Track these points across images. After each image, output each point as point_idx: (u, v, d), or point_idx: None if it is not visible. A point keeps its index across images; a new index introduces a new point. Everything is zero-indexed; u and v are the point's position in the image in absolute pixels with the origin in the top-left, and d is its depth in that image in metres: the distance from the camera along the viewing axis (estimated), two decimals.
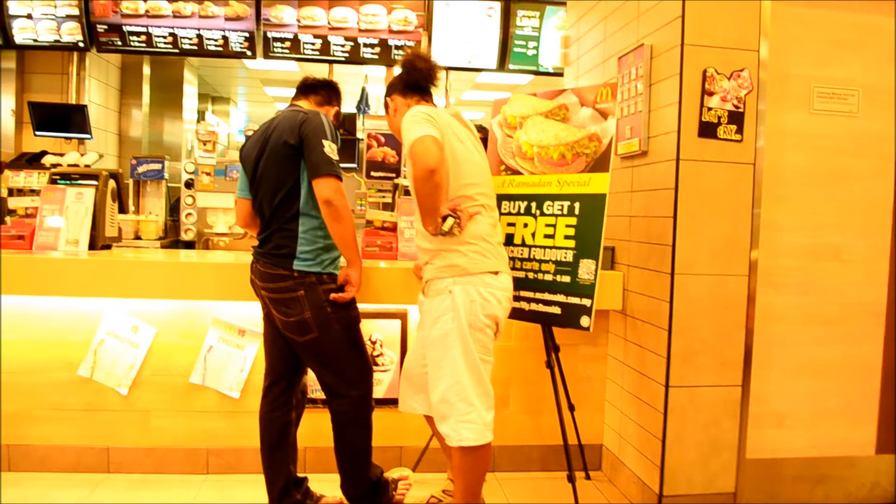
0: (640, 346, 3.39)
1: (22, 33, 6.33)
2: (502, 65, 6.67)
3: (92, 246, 3.61)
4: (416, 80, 2.95)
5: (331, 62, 6.68)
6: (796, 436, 3.34)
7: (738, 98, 3.10)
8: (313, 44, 6.50)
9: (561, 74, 5.10)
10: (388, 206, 5.60)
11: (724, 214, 3.11)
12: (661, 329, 3.18)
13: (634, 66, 3.46)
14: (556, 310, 3.18)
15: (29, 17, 6.30)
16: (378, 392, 3.53)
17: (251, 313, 3.42)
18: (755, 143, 3.13)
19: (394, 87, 3.01)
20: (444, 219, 2.63)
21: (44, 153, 5.99)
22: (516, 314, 3.24)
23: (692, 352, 3.12)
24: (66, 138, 6.49)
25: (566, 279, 3.15)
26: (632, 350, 3.49)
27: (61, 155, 5.96)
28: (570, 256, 3.16)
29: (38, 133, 6.31)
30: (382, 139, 5.72)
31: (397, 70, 3.05)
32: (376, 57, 6.56)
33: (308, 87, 3.11)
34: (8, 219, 3.78)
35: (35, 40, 6.37)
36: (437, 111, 2.75)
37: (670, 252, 3.10)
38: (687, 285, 3.10)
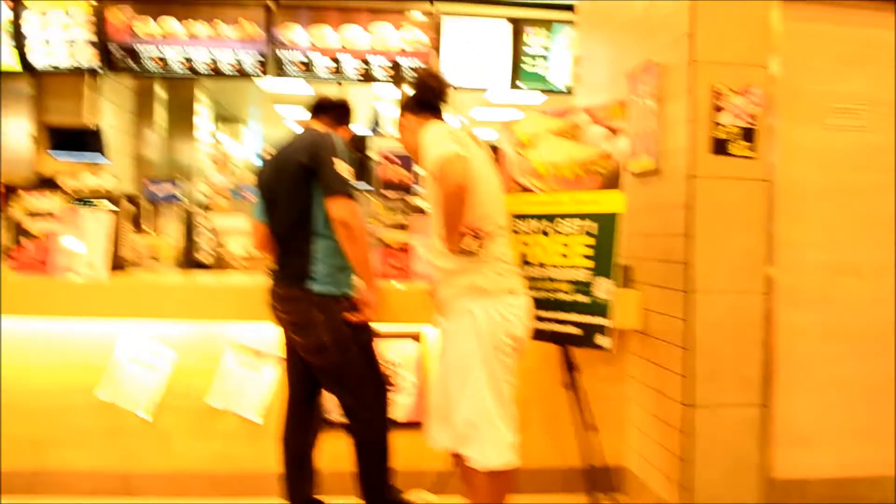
0: (659, 366, 3.37)
1: (39, 58, 6.41)
2: (513, 83, 6.70)
3: (109, 268, 3.64)
4: (428, 99, 2.95)
5: (342, 82, 6.73)
6: (822, 455, 3.30)
7: (749, 114, 3.10)
8: (325, 64, 6.56)
9: (571, 92, 5.12)
10: (402, 227, 5.61)
11: (740, 231, 3.10)
12: (679, 348, 3.16)
13: (644, 84, 3.47)
14: (574, 329, 3.17)
15: (46, 42, 6.38)
16: (395, 414, 3.51)
17: (270, 336, 3.43)
18: (768, 159, 3.13)
19: (406, 106, 3.01)
20: (465, 237, 2.63)
21: (57, 176, 6.05)
22: (534, 335, 3.23)
23: (712, 370, 3.10)
24: (83, 161, 6.56)
25: (583, 298, 3.15)
26: (651, 369, 3.48)
27: (78, 178, 6.01)
28: (586, 275, 3.15)
29: (53, 156, 6.37)
30: (395, 159, 5.75)
31: (408, 89, 3.07)
32: (388, 77, 6.60)
33: (321, 108, 3.13)
34: (26, 241, 3.81)
35: (52, 65, 6.45)
36: (456, 129, 2.75)
37: (687, 270, 3.10)
38: (704, 303, 3.09)
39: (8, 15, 6.32)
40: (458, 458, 2.83)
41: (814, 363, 3.28)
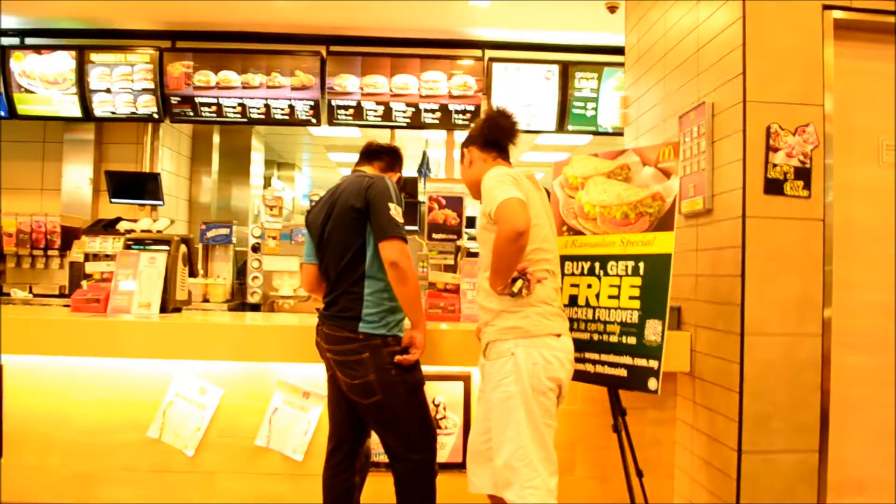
0: (710, 410, 3.28)
1: (101, 107, 6.66)
2: (561, 126, 6.72)
3: (163, 309, 3.71)
4: (496, 138, 2.97)
5: (393, 128, 6.84)
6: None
7: (803, 153, 3.04)
8: (376, 110, 6.67)
9: (620, 134, 5.11)
10: (450, 268, 5.62)
11: (795, 272, 3.03)
12: (731, 391, 3.08)
13: (696, 124, 3.44)
14: (623, 372, 3.12)
15: (108, 91, 6.63)
16: (441, 456, 3.49)
17: (315, 375, 3.44)
18: (824, 199, 3.06)
19: (472, 140, 3.02)
20: (514, 280, 2.62)
21: (118, 219, 6.23)
22: (581, 376, 3.19)
23: (765, 415, 3.01)
24: (140, 205, 6.75)
25: (632, 340, 3.10)
26: (701, 413, 3.39)
27: (135, 221, 6.18)
28: (635, 317, 3.11)
29: (113, 200, 6.57)
30: (444, 201, 5.77)
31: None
32: (437, 122, 6.69)
33: (372, 153, 3.18)
34: (84, 283, 3.91)
35: (113, 113, 6.69)
36: (518, 173, 2.75)
37: (739, 312, 3.03)
38: (757, 346, 3.01)
39: (72, 65, 6.58)
40: (497, 502, 2.78)
41: (870, 408, 3.16)
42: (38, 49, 6.61)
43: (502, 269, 2.63)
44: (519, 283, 2.62)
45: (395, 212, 2.81)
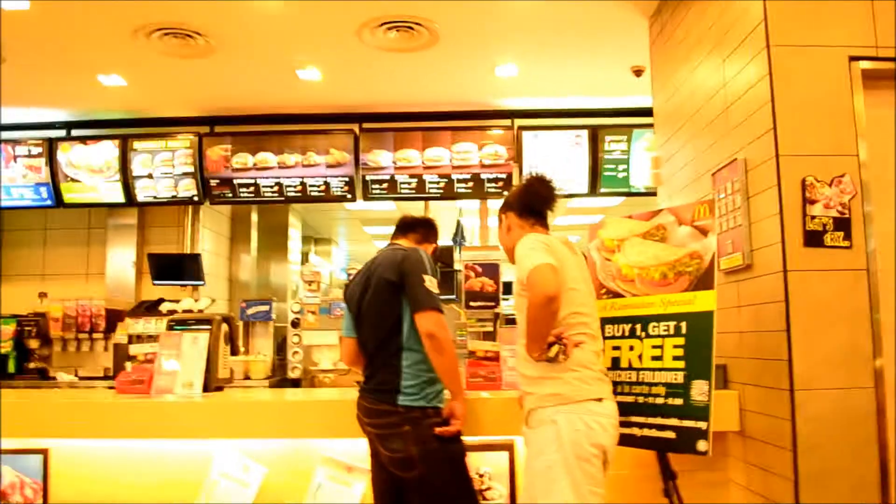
0: (764, 469, 3.18)
1: (143, 192, 6.86)
2: (593, 189, 6.74)
3: (205, 388, 3.73)
4: (533, 205, 2.98)
5: (426, 199, 6.92)
6: None
7: (841, 204, 3.01)
8: (409, 183, 6.78)
9: (653, 194, 5.11)
10: (489, 336, 5.59)
11: (841, 323, 2.97)
12: (784, 450, 2.99)
13: (730, 181, 3.44)
14: (671, 434, 3.04)
15: (150, 176, 6.84)
16: None
17: (359, 450, 3.41)
18: (866, 248, 3.02)
19: (510, 206, 3.04)
20: (550, 346, 2.61)
21: (161, 301, 6.34)
22: (628, 441, 3.11)
23: (822, 472, 2.91)
24: (182, 286, 6.87)
25: (678, 401, 3.03)
26: (755, 474, 3.28)
27: (177, 301, 6.29)
28: (680, 378, 3.05)
29: (155, 282, 6.70)
30: (480, 269, 5.79)
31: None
32: (469, 191, 6.76)
33: (406, 226, 3.22)
34: (128, 364, 3.96)
35: (155, 197, 6.88)
36: (552, 240, 2.77)
37: (787, 367, 2.96)
38: (808, 401, 2.94)
39: (116, 154, 6.81)
40: None
41: None
42: (83, 140, 6.87)
43: (537, 334, 2.63)
44: (555, 347, 2.61)
45: (430, 283, 2.83)
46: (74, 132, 7.00)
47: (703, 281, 3.11)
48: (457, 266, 6.67)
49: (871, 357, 2.97)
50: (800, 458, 2.92)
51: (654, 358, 3.16)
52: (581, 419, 2.59)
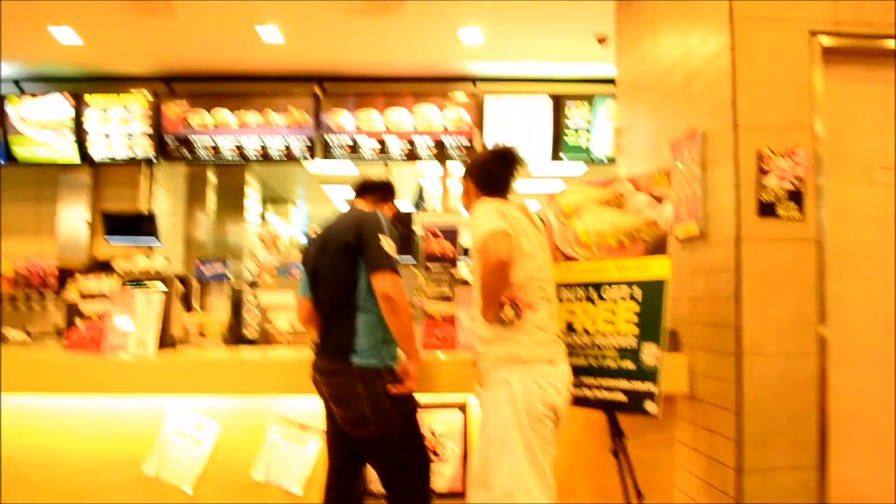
0: (709, 430, 3.27)
1: (98, 150, 6.70)
2: (555, 156, 6.77)
3: (159, 346, 3.69)
4: (489, 183, 2.93)
5: (387, 162, 6.88)
6: None
7: (795, 176, 3.07)
8: (370, 145, 6.73)
9: (613, 162, 5.15)
10: (447, 298, 5.61)
11: (790, 292, 3.05)
12: (730, 412, 3.07)
13: (688, 151, 3.48)
14: (621, 396, 3.10)
15: (105, 135, 6.68)
16: (440, 484, 3.47)
17: (313, 408, 3.41)
18: (817, 219, 3.08)
19: (470, 174, 3.00)
20: (503, 308, 2.63)
21: (114, 259, 6.22)
22: (580, 401, 3.17)
23: (764, 434, 3.00)
24: (137, 245, 6.75)
25: (629, 364, 3.09)
26: (700, 434, 3.37)
27: (131, 260, 6.17)
28: (632, 342, 3.10)
29: (109, 241, 6.57)
30: (439, 233, 5.79)
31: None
32: (431, 155, 6.74)
33: (365, 188, 3.20)
34: (79, 322, 3.90)
35: (112, 159, 6.73)
36: (507, 206, 2.77)
37: (736, 333, 3.03)
38: (755, 366, 3.02)
39: (70, 112, 6.63)
40: None
41: (869, 424, 3.16)
42: (34, 94, 6.66)
43: (490, 297, 2.66)
44: (509, 310, 2.65)
45: (387, 244, 2.82)
46: (26, 87, 6.78)
47: (658, 248, 3.16)
48: (416, 229, 6.66)
49: (817, 325, 3.05)
50: (745, 420, 3.00)
51: (608, 322, 3.21)
52: (534, 380, 2.63)
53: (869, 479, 3.14)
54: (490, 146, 3.02)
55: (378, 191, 3.21)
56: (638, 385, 3.04)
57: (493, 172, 2.94)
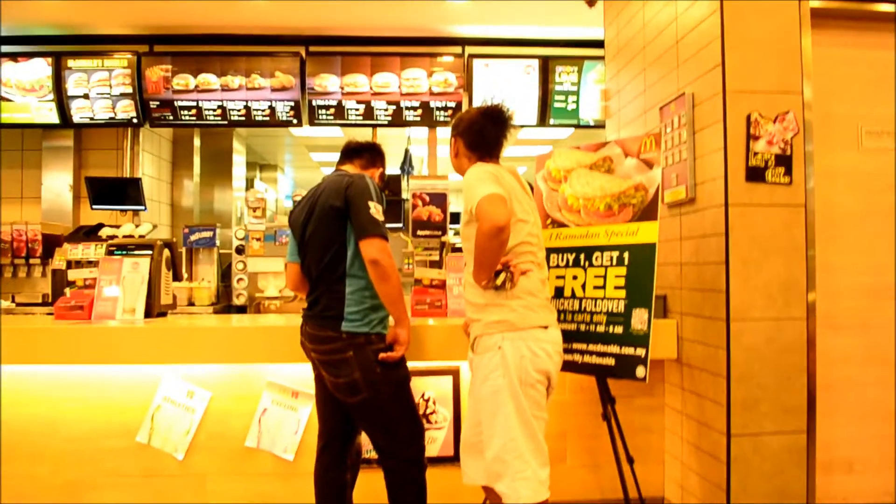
0: (698, 395, 3.31)
1: (79, 112, 6.61)
2: (543, 120, 6.74)
3: (148, 314, 3.69)
4: (479, 143, 2.87)
5: (374, 126, 6.83)
6: (867, 482, 3.22)
7: (784, 141, 3.07)
8: (357, 109, 6.67)
9: (602, 127, 5.14)
10: (436, 264, 5.62)
11: (778, 258, 3.06)
12: (718, 377, 3.11)
13: (677, 115, 3.46)
14: (610, 361, 3.13)
15: (86, 97, 6.59)
16: (431, 450, 3.50)
17: (304, 375, 3.43)
18: (805, 185, 3.09)
19: (460, 133, 2.92)
20: (497, 273, 2.63)
21: (100, 226, 6.18)
22: (570, 367, 3.20)
23: (753, 399, 3.04)
24: (122, 211, 6.70)
25: (619, 329, 3.11)
26: (690, 399, 3.41)
27: (117, 227, 6.14)
28: (621, 307, 3.12)
29: (94, 207, 6.52)
30: (427, 198, 5.78)
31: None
32: (418, 119, 6.69)
33: (352, 152, 3.16)
34: (67, 290, 3.88)
35: (91, 119, 6.64)
36: (500, 170, 2.74)
37: (724, 298, 3.05)
38: (743, 331, 3.04)
39: (48, 72, 6.53)
40: (490, 492, 2.79)
41: (856, 388, 3.22)
42: (13, 56, 6.54)
43: (485, 263, 2.63)
44: (502, 275, 2.63)
45: (375, 210, 2.80)
46: (4, 48, 6.65)
47: (647, 213, 3.16)
48: (405, 195, 6.65)
49: (805, 290, 3.07)
50: (733, 385, 3.04)
51: (597, 287, 3.23)
52: (527, 346, 2.63)
53: (856, 441, 3.20)
54: (480, 104, 2.95)
55: (366, 154, 3.16)
56: (627, 350, 3.07)
57: (483, 132, 2.87)
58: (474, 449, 2.81)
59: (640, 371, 3.03)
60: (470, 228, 2.71)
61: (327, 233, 2.86)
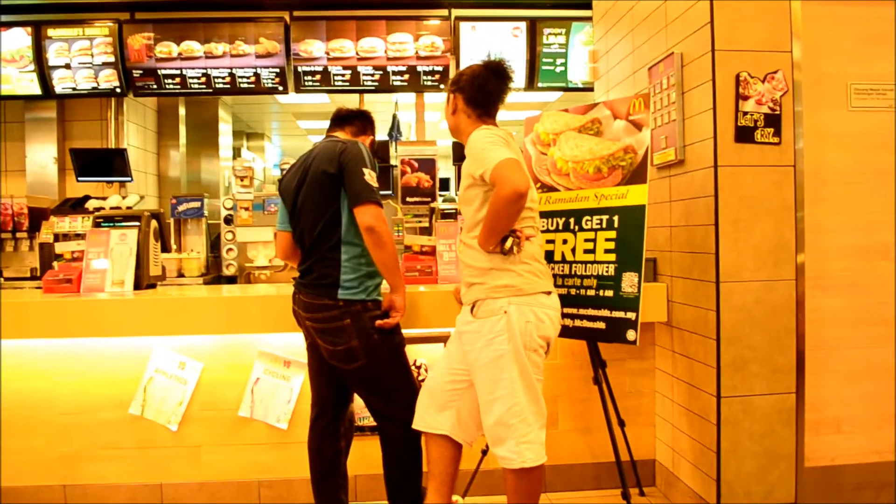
0: (689, 358, 3.33)
1: (61, 83, 6.51)
2: (531, 83, 6.68)
3: (137, 286, 3.67)
4: (481, 99, 2.82)
5: (361, 92, 6.76)
6: (856, 441, 3.25)
7: (773, 100, 3.05)
8: (343, 75, 6.58)
9: (591, 89, 5.09)
10: (426, 231, 5.61)
11: (768, 219, 3.06)
12: (708, 339, 3.12)
13: (665, 76, 3.44)
14: (601, 325, 3.14)
15: (67, 66, 6.48)
16: None
17: (296, 344, 3.43)
18: (794, 145, 3.08)
19: (460, 88, 2.86)
20: (505, 238, 2.61)
21: (87, 198, 6.13)
22: (561, 331, 3.20)
23: (743, 360, 3.06)
24: (108, 182, 6.64)
25: (609, 293, 3.12)
26: (680, 362, 3.43)
27: (104, 198, 6.09)
28: (611, 270, 3.13)
29: (80, 179, 6.45)
30: (416, 164, 5.75)
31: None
32: (405, 84, 6.62)
33: (342, 118, 3.13)
34: (55, 263, 3.85)
35: (74, 89, 6.54)
36: (506, 134, 2.69)
37: (714, 260, 3.06)
38: (733, 293, 3.05)
39: (28, 42, 6.42)
40: (435, 442, 2.85)
41: (845, 348, 3.24)
42: None
43: (498, 228, 2.58)
44: (510, 240, 2.59)
45: (370, 176, 2.78)
46: None
47: (636, 175, 3.15)
48: (393, 161, 6.61)
49: (794, 251, 3.08)
50: (722, 347, 3.06)
51: (587, 251, 3.23)
52: (532, 311, 2.62)
53: (845, 401, 3.23)
54: (483, 59, 2.88)
55: (356, 121, 3.14)
56: (618, 313, 3.08)
57: (486, 87, 2.81)
58: (440, 397, 2.85)
59: (631, 335, 3.04)
60: (473, 192, 2.68)
61: (321, 199, 2.85)
